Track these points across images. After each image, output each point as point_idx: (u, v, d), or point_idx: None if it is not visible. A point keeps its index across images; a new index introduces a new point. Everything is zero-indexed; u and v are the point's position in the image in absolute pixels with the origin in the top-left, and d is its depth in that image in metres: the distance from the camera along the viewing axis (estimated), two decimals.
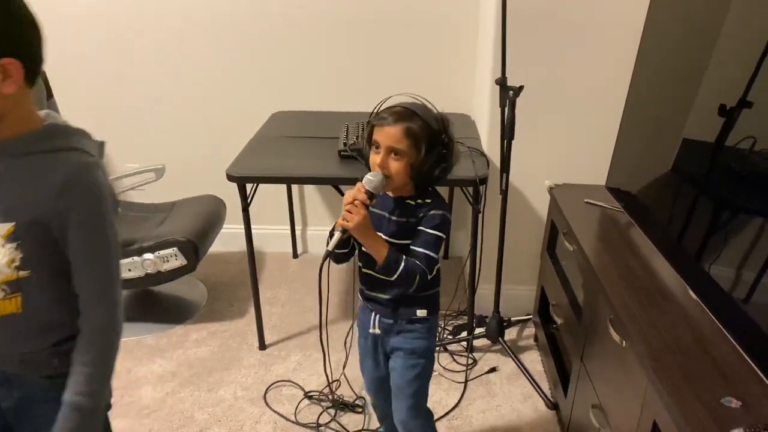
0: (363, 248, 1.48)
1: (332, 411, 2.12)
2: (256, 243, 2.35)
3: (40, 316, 1.05)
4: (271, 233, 3.24)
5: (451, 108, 1.61)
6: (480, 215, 2.24)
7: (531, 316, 2.62)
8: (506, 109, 2.09)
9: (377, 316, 1.59)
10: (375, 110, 1.47)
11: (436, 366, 2.00)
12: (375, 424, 2.07)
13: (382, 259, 1.42)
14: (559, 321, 2.12)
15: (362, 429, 2.06)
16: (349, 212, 1.39)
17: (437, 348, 2.44)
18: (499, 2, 2.02)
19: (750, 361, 1.24)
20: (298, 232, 3.29)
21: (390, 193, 1.50)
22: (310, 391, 2.21)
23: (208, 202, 2.77)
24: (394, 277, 1.42)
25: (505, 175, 2.18)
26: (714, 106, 1.49)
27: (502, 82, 2.08)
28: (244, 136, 2.52)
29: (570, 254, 1.99)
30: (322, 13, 2.80)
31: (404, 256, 1.43)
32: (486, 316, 2.53)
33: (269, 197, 3.03)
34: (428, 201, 1.46)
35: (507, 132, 2.11)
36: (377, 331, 1.61)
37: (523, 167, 2.34)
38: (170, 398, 2.20)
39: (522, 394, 2.24)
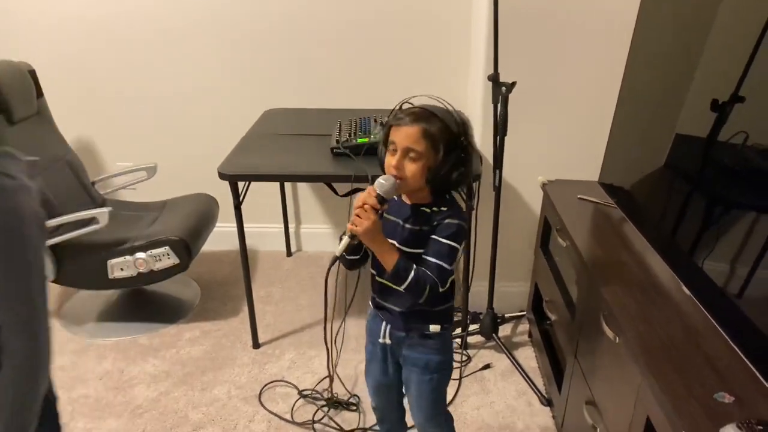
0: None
1: (326, 409, 2.11)
2: (250, 241, 2.34)
3: None
4: (265, 231, 3.23)
5: None
6: (473, 212, 2.24)
7: (525, 313, 2.62)
8: (499, 105, 2.08)
9: (388, 326, 1.55)
10: (393, 111, 1.42)
11: None
12: (369, 422, 2.07)
13: (391, 267, 1.36)
14: (552, 317, 2.12)
15: (357, 428, 2.06)
16: (359, 216, 1.34)
17: None
18: None
19: (743, 357, 1.24)
20: (291, 230, 3.28)
21: (406, 200, 1.45)
22: (304, 390, 2.21)
23: (200, 200, 2.76)
24: (404, 286, 1.37)
25: (498, 171, 2.17)
26: (706, 101, 1.49)
27: (494, 78, 2.08)
28: (236, 134, 2.50)
29: (563, 250, 1.99)
30: (314, 11, 2.78)
31: (415, 265, 1.37)
32: (480, 313, 2.52)
33: (262, 195, 3.01)
34: (444, 209, 1.40)
35: (500, 128, 2.10)
36: (388, 341, 1.57)
37: (516, 163, 2.34)
38: (164, 398, 2.19)
39: (516, 391, 2.24)
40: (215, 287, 2.93)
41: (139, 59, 2.90)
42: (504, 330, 2.60)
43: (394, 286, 1.43)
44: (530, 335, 2.56)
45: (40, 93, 2.66)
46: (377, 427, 1.99)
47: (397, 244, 1.42)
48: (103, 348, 2.46)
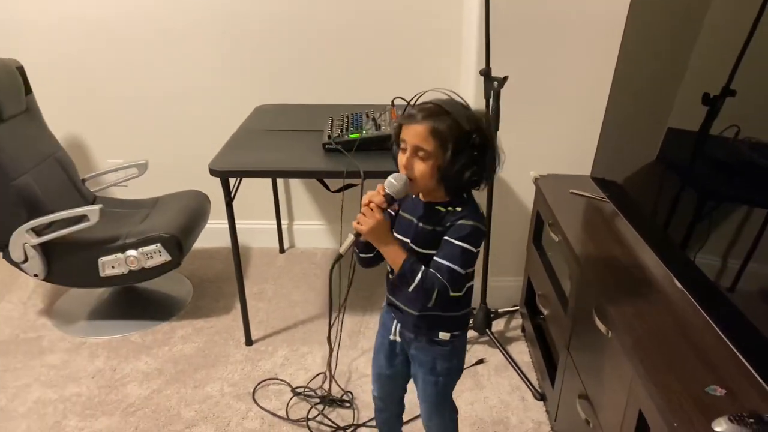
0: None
1: (320, 406, 2.11)
2: (243, 238, 2.33)
3: None
4: (258, 228, 3.22)
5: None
6: None
7: (518, 308, 2.62)
8: (491, 100, 2.08)
9: (398, 325, 1.55)
10: (406, 107, 1.37)
11: None
12: (364, 418, 2.07)
13: (398, 268, 1.34)
14: (545, 312, 2.12)
15: (352, 424, 2.05)
16: (364, 215, 1.32)
17: None
18: None
19: (735, 350, 1.24)
20: (284, 227, 3.27)
21: (422, 198, 1.40)
22: (297, 387, 2.20)
23: (192, 197, 2.75)
24: (411, 288, 1.33)
25: None
26: (698, 95, 1.49)
27: (486, 73, 2.07)
28: (227, 130, 2.49)
29: (556, 245, 1.99)
30: (306, 6, 2.77)
31: (423, 267, 1.33)
32: (473, 308, 2.52)
33: (255, 192, 3.00)
34: (458, 209, 1.34)
35: (492, 123, 2.09)
36: (397, 338, 1.57)
37: (508, 158, 2.29)
38: (156, 396, 2.18)
39: (510, 386, 2.24)
40: (208, 284, 2.92)
41: (129, 56, 2.88)
42: (497, 325, 2.60)
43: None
44: (523, 330, 2.56)
45: (28, 90, 2.64)
46: (372, 423, 2.00)
47: (410, 243, 1.40)
48: (95, 346, 2.45)
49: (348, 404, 2.13)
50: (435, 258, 1.34)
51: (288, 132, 2.49)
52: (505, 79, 2.03)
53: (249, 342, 2.46)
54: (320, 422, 2.05)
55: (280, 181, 3.15)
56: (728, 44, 1.41)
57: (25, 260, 2.34)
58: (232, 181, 2.16)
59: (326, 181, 2.57)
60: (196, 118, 3.00)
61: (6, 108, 2.42)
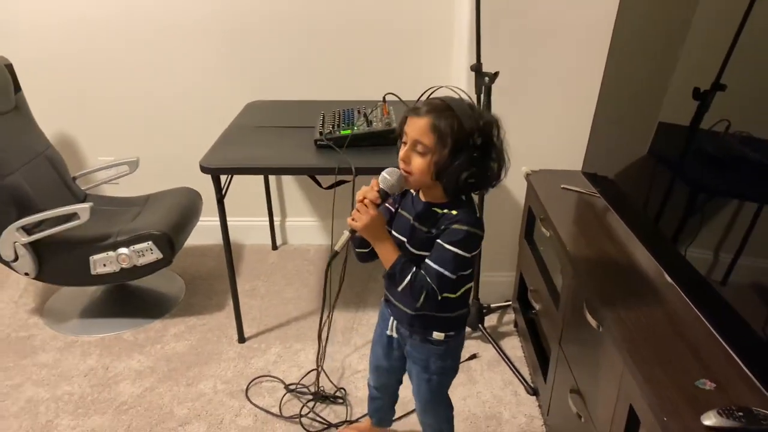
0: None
1: (313, 403, 2.11)
2: (235, 235, 2.33)
3: None
4: (250, 225, 3.21)
5: None
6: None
7: (510, 303, 2.63)
8: (482, 95, 2.07)
9: (395, 321, 1.55)
10: (418, 99, 1.35)
11: None
12: (356, 414, 2.07)
13: (389, 266, 1.34)
14: (537, 307, 2.12)
15: (345, 420, 2.05)
16: (358, 211, 1.32)
17: None
18: None
19: (724, 344, 1.25)
20: (277, 224, 3.26)
21: (421, 197, 1.40)
22: (290, 384, 2.20)
23: (184, 194, 2.73)
24: (399, 288, 1.34)
25: None
26: (688, 89, 1.49)
27: (477, 68, 2.07)
28: (218, 127, 2.48)
29: (547, 240, 1.99)
30: (296, 3, 2.75)
31: (414, 269, 1.33)
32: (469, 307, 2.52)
33: (247, 188, 2.99)
34: (454, 213, 1.32)
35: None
36: (394, 334, 1.57)
37: None
38: (149, 394, 2.17)
39: (503, 380, 2.24)
40: (200, 282, 2.91)
41: (119, 53, 2.86)
42: (490, 320, 2.61)
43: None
44: (516, 325, 2.57)
45: (17, 87, 2.62)
46: (362, 420, 2.00)
47: (406, 243, 1.40)
48: (87, 345, 2.44)
49: (341, 400, 2.13)
50: (426, 260, 1.34)
51: (279, 128, 2.48)
52: (496, 74, 2.03)
53: (242, 339, 2.46)
54: (313, 419, 2.05)
55: (272, 178, 3.14)
56: (719, 38, 1.41)
57: (16, 259, 2.32)
58: (223, 178, 2.16)
59: (318, 177, 2.57)
60: (188, 115, 2.99)
61: None
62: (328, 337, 2.07)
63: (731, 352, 1.22)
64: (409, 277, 1.32)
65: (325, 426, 2.03)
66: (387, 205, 1.46)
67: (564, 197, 2.11)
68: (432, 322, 1.46)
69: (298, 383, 2.20)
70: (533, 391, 2.18)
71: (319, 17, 2.79)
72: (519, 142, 2.35)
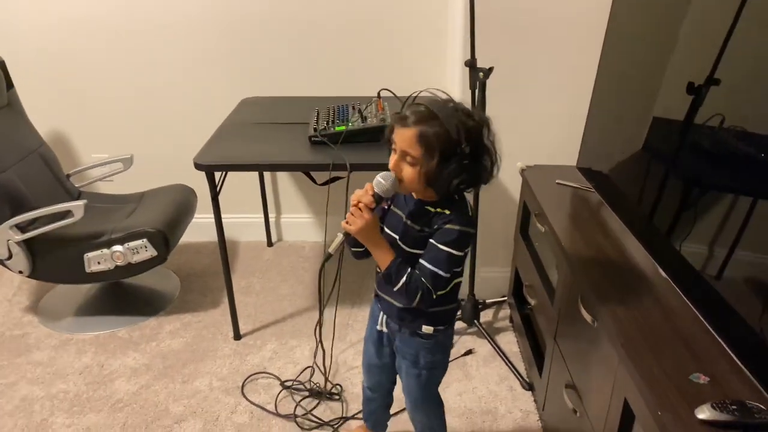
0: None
1: (309, 400, 2.11)
2: (230, 232, 2.32)
3: None
4: (245, 222, 3.21)
5: None
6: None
7: (506, 298, 2.63)
8: (476, 90, 2.07)
9: (384, 316, 1.55)
10: (403, 105, 1.35)
11: None
12: (353, 410, 2.07)
13: (384, 268, 1.35)
14: (533, 302, 2.13)
15: (341, 417, 2.05)
16: (353, 215, 1.32)
17: None
18: None
19: (718, 338, 1.25)
20: (272, 220, 3.25)
21: (414, 195, 1.39)
22: (286, 381, 2.20)
23: (178, 191, 2.73)
24: (395, 288, 1.35)
25: None
26: (683, 84, 1.49)
27: (471, 64, 2.07)
28: (212, 124, 2.47)
29: (542, 235, 1.99)
30: None
31: (409, 270, 1.34)
32: (461, 299, 2.53)
33: (241, 185, 2.98)
34: (447, 212, 1.33)
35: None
36: (383, 329, 1.58)
37: None
38: (144, 391, 2.17)
39: (498, 376, 2.25)
40: (195, 279, 2.90)
41: (112, 50, 2.85)
42: (485, 315, 2.61)
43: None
44: (511, 320, 2.57)
45: (10, 85, 2.61)
46: (360, 416, 2.00)
47: (398, 240, 1.40)
48: (82, 342, 2.43)
49: (337, 397, 2.13)
50: (420, 260, 1.34)
51: (273, 125, 2.48)
52: (491, 69, 2.02)
53: (237, 336, 2.46)
54: (309, 419, 2.05)
55: (267, 175, 3.13)
56: (713, 33, 1.41)
57: (9, 257, 2.31)
58: (217, 174, 2.15)
59: (313, 173, 2.56)
60: (182, 112, 2.98)
61: None
62: (321, 333, 2.06)
63: (725, 346, 1.23)
64: (404, 278, 1.33)
65: (321, 423, 2.03)
66: None
67: (559, 192, 2.11)
68: (422, 315, 1.46)
69: (295, 380, 2.20)
70: (529, 386, 2.18)
71: (313, 14, 2.78)
72: (514, 137, 2.36)
